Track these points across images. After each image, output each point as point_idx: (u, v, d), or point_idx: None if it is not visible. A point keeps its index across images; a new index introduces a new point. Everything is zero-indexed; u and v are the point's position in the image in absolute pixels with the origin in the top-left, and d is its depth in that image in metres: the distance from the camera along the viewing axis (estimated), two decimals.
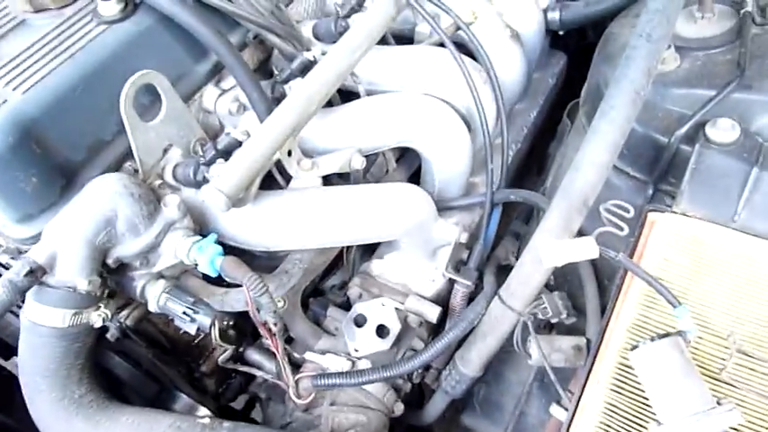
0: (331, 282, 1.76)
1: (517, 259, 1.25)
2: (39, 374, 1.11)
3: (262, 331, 1.27)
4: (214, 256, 1.15)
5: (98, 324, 1.13)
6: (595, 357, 1.10)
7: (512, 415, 1.59)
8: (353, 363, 1.41)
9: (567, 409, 1.27)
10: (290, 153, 1.32)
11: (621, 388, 1.04)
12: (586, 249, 0.99)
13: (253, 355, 1.58)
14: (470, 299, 1.51)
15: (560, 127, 1.97)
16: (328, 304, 1.60)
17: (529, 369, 1.57)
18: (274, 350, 1.33)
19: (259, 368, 1.55)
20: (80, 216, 1.12)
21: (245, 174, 1.20)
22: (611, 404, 1.03)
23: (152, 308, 1.21)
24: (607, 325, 1.13)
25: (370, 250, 1.69)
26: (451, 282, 1.55)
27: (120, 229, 1.14)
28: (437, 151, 1.50)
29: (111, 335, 1.42)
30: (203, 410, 1.68)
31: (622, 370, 1.05)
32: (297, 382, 1.34)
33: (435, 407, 1.49)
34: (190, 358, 1.60)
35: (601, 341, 1.11)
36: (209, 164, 1.25)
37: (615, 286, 1.16)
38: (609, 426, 1.01)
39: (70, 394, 1.11)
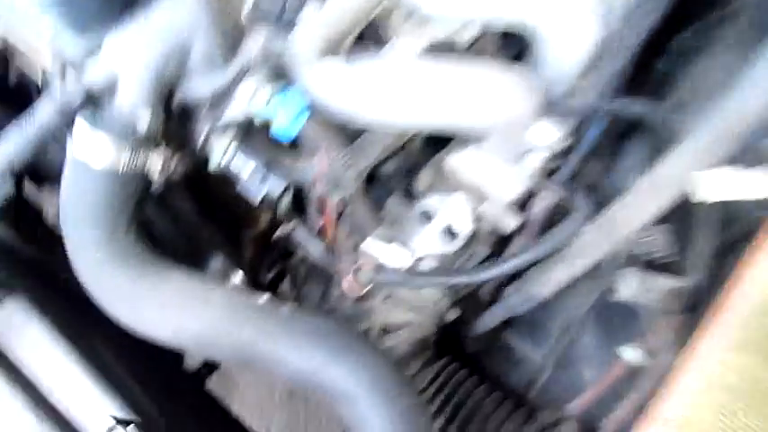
0: (388, 168, 1.60)
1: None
2: (84, 220, 0.98)
3: (324, 210, 1.13)
4: (300, 111, 0.97)
5: (158, 169, 0.98)
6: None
7: (557, 340, 1.50)
8: (414, 261, 1.28)
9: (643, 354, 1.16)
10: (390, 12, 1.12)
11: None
12: (755, 185, 0.83)
13: (301, 232, 1.45)
14: (551, 216, 1.36)
15: (676, 43, 1.72)
16: (392, 191, 1.45)
17: (586, 295, 1.46)
18: (329, 232, 1.19)
19: (306, 247, 1.43)
20: (151, 35, 0.93)
21: (341, 21, 1.01)
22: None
23: (214, 163, 1.06)
24: (725, 289, 0.97)
25: (435, 140, 1.52)
26: (531, 193, 1.39)
27: (193, 59, 0.96)
28: (558, 35, 1.28)
29: (155, 186, 1.28)
30: (239, 275, 1.59)
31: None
32: (355, 272, 1.22)
33: (490, 320, 1.39)
34: (234, 224, 1.48)
35: (714, 307, 0.95)
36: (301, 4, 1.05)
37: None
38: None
39: (118, 245, 0.98)
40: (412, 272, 1.19)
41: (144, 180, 1.02)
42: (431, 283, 1.18)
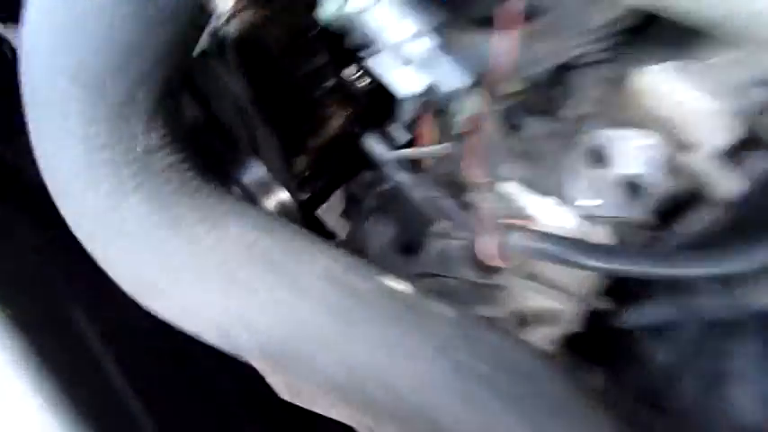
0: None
1: None
2: (67, 78, 0.51)
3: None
4: None
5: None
6: None
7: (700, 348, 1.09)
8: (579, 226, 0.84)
9: None
10: None
11: None
12: None
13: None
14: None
15: None
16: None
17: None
18: (468, 161, 0.74)
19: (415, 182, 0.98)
20: None
21: None
22: None
23: (330, 11, 0.59)
24: None
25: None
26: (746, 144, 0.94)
27: None
28: None
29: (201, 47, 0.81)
30: (282, 195, 1.14)
31: None
32: (501, 233, 0.78)
33: (652, 317, 0.97)
34: (291, 124, 1.02)
35: None
36: None
37: None
38: None
39: (129, 141, 0.52)
40: (590, 247, 0.75)
41: (193, 18, 0.55)
42: (616, 269, 0.74)
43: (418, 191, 1.11)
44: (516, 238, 0.75)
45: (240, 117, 1.02)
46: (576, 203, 0.83)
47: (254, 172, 1.15)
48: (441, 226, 0.94)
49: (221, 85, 0.94)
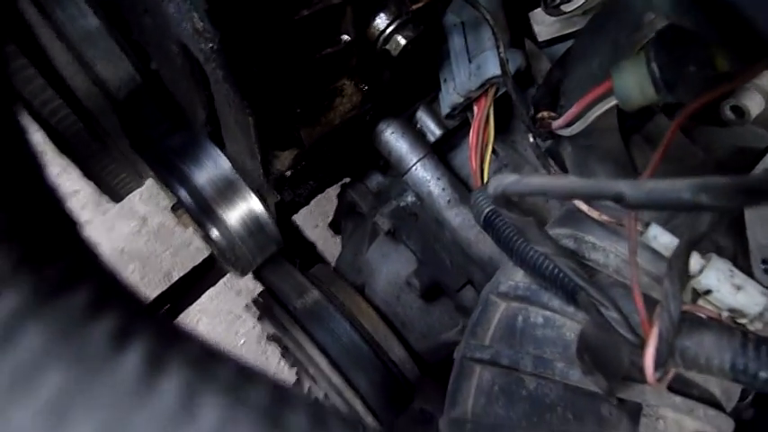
0: None
1: None
2: None
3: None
4: None
5: None
6: None
7: None
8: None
9: None
10: None
11: None
12: None
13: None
14: None
15: None
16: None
17: None
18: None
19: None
20: None
21: None
22: None
23: None
24: None
25: None
26: None
27: None
28: None
29: None
30: (253, 202, 0.76)
31: None
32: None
33: None
34: (285, 95, 0.63)
35: None
36: None
37: None
38: None
39: None
40: None
41: None
42: None
43: (456, 214, 0.76)
44: (705, 344, 0.40)
45: (196, 84, 0.64)
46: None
47: (213, 167, 0.77)
48: (512, 281, 0.58)
49: (169, 34, 0.56)
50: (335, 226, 1.02)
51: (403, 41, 0.62)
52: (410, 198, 0.80)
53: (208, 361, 0.20)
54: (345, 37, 0.62)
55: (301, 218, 1.59)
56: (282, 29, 0.56)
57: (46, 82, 0.70)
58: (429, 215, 0.79)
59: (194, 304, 1.60)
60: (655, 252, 0.52)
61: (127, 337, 0.18)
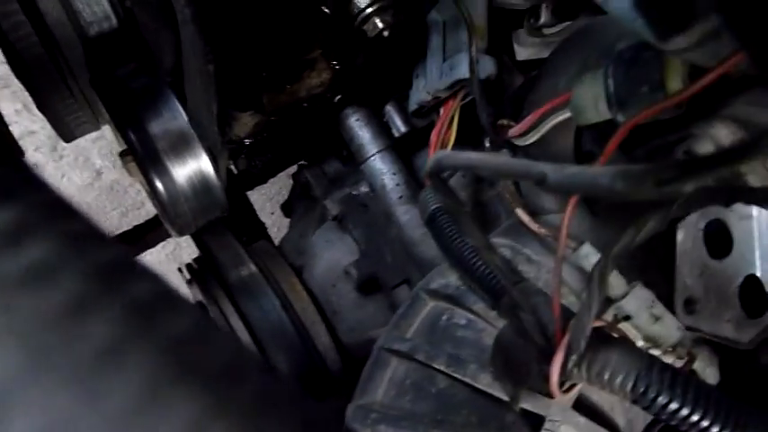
0: None
1: None
2: None
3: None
4: None
5: None
6: None
7: None
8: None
9: None
10: None
11: None
12: None
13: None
14: None
15: None
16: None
17: None
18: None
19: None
20: None
21: None
22: None
23: None
24: None
25: None
26: None
27: None
28: None
29: None
30: (203, 161, 0.74)
31: None
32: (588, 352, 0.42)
33: None
34: (253, 57, 0.62)
35: None
36: None
37: None
38: None
39: None
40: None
41: None
42: None
43: (406, 210, 0.76)
44: (611, 362, 0.40)
45: (165, 26, 0.63)
46: (684, 310, 0.50)
47: (170, 118, 0.76)
48: (444, 281, 0.58)
49: None
50: (287, 208, 1.00)
51: (380, 24, 0.62)
52: (363, 188, 0.80)
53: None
54: (324, 8, 0.61)
55: (260, 203, 1.57)
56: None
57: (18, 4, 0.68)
58: (379, 208, 0.78)
59: None
60: (584, 272, 0.52)
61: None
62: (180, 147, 0.76)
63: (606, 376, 0.42)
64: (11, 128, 0.87)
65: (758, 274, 0.51)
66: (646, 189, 0.25)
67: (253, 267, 0.81)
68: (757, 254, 0.51)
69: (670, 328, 0.49)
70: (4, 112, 0.88)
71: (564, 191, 0.29)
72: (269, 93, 0.66)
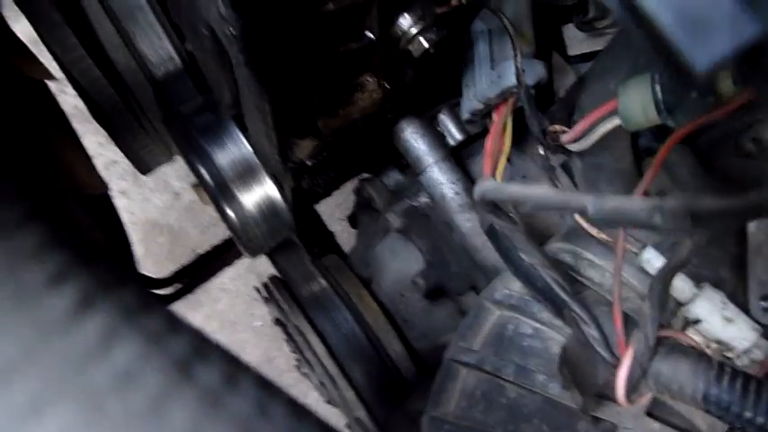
0: None
1: None
2: None
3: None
4: None
5: None
6: None
7: None
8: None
9: None
10: None
11: None
12: None
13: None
14: None
15: None
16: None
17: None
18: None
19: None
20: None
21: None
22: None
23: None
24: None
25: None
26: None
27: None
28: None
29: None
30: (269, 188, 0.78)
31: None
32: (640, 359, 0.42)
33: None
34: (305, 85, 0.65)
35: None
36: None
37: None
38: None
39: None
40: None
41: None
42: None
43: (467, 219, 0.77)
44: (680, 370, 0.40)
45: (223, 67, 0.66)
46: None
47: (234, 149, 0.80)
48: (507, 290, 0.59)
49: (199, 15, 0.58)
50: (353, 220, 1.03)
51: (425, 44, 0.63)
52: (423, 199, 0.81)
53: (139, 309, 0.22)
54: (369, 34, 0.63)
55: (328, 210, 1.61)
56: (306, 21, 0.57)
57: (86, 52, 0.73)
58: (440, 218, 0.79)
59: (216, 283, 1.64)
60: (648, 275, 0.51)
61: (64, 279, 0.20)
62: (246, 175, 0.80)
63: (675, 387, 0.42)
64: (95, 160, 0.94)
65: None
66: (680, 223, 0.25)
67: (323, 282, 0.85)
68: None
69: (743, 330, 0.48)
70: (88, 146, 0.95)
71: (605, 224, 0.29)
72: (323, 118, 0.68)
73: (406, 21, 0.63)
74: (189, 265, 1.23)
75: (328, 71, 0.64)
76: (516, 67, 0.60)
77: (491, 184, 0.43)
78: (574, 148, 0.56)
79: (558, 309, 0.50)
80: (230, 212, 0.81)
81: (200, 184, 0.83)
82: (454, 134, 0.80)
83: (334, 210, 1.70)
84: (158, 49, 0.80)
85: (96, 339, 0.20)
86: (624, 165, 0.59)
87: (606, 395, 0.51)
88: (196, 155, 0.79)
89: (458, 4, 0.65)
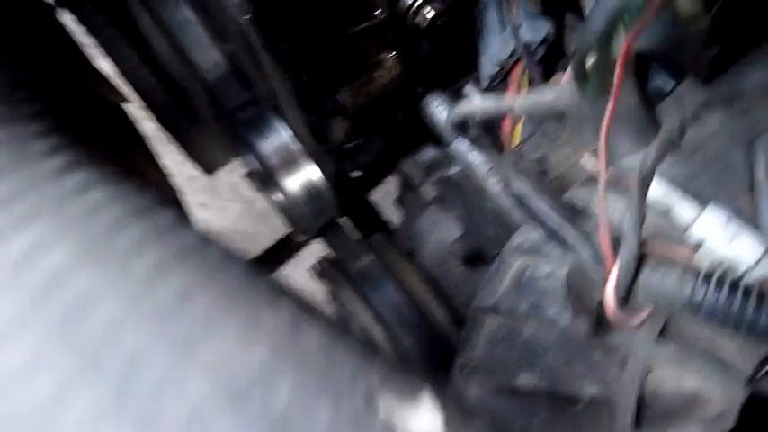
0: None
1: None
2: None
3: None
4: None
5: None
6: None
7: None
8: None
9: None
10: None
11: None
12: None
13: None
14: None
15: None
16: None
17: None
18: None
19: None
20: None
21: None
22: None
23: None
24: None
25: None
26: None
27: None
28: None
29: None
30: (311, 170, 0.84)
31: None
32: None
33: None
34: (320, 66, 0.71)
35: None
36: None
37: None
38: None
39: None
40: None
41: None
42: None
43: (496, 182, 0.79)
44: (668, 279, 0.41)
45: (254, 61, 0.73)
46: None
47: (275, 137, 0.87)
48: (525, 237, 0.61)
49: (229, 14, 0.65)
50: (400, 201, 1.08)
51: (430, 14, 0.67)
52: (455, 169, 0.84)
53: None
54: (379, 12, 0.68)
55: (386, 199, 1.66)
56: (315, 5, 0.63)
57: (141, 61, 0.83)
58: (472, 185, 0.82)
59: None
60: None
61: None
62: (288, 161, 0.87)
63: (662, 294, 0.43)
64: (175, 177, 1.03)
65: None
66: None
67: (368, 258, 0.90)
68: None
69: (750, 244, 0.48)
70: (168, 164, 1.05)
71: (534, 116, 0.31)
72: (347, 96, 0.74)
73: None
74: (255, 257, 1.32)
75: (345, 51, 0.69)
76: (513, 24, 0.63)
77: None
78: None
79: (563, 241, 0.52)
80: (278, 197, 0.88)
81: (250, 174, 0.90)
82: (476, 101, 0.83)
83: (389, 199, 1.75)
84: (206, 54, 0.89)
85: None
86: (632, 106, 0.60)
87: (618, 323, 0.52)
88: (244, 147, 0.87)
89: None
